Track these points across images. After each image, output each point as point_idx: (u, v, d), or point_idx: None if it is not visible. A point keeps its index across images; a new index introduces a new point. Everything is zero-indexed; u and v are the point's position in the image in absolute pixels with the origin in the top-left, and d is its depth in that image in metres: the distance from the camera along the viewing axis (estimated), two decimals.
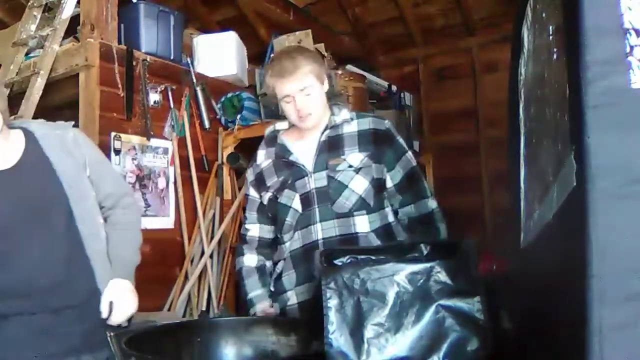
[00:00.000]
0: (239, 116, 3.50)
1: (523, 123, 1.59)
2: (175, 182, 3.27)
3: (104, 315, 1.57)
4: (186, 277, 3.23)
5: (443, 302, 1.20)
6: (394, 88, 4.38)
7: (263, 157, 1.92)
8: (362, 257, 1.36)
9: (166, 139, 3.24)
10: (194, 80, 3.39)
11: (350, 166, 1.76)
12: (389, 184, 1.83)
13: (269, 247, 1.93)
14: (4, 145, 1.58)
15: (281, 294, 1.84)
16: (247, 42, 3.85)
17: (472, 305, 1.20)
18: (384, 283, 1.22)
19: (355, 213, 1.76)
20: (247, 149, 3.55)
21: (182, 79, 3.36)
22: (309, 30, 3.98)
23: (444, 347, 1.16)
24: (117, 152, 2.94)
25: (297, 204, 1.79)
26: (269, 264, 1.92)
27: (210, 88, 3.49)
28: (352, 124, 1.83)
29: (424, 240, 1.47)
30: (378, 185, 1.79)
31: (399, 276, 1.22)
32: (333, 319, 1.19)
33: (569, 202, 0.87)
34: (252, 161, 1.97)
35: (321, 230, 1.75)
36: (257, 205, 1.91)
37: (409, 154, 1.86)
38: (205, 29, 4.14)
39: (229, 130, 3.56)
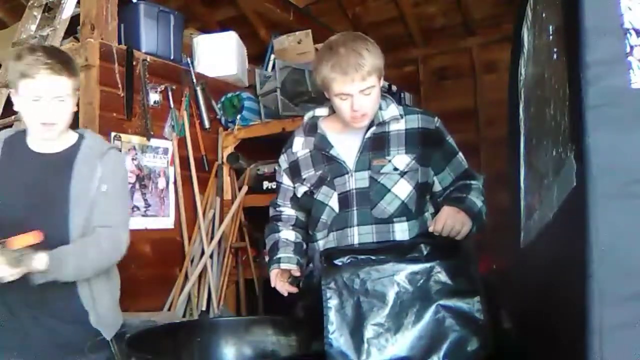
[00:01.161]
0: (239, 116, 3.49)
1: (523, 123, 1.59)
2: (175, 182, 3.26)
3: None
4: (186, 277, 3.22)
5: (443, 302, 1.20)
6: (394, 88, 4.38)
7: (300, 146, 1.79)
8: (362, 257, 1.36)
9: (166, 139, 3.23)
10: (194, 80, 3.38)
11: (396, 169, 1.65)
12: (437, 187, 1.73)
13: (305, 229, 1.81)
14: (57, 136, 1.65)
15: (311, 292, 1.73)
16: (247, 42, 3.85)
17: (472, 305, 1.20)
18: (384, 283, 1.22)
19: (395, 219, 1.65)
20: (247, 149, 3.56)
21: (182, 79, 3.36)
22: (309, 30, 3.98)
23: (444, 347, 1.17)
24: None
25: (334, 203, 1.68)
26: (304, 245, 1.81)
27: (210, 88, 3.49)
28: (400, 122, 1.71)
29: (424, 240, 1.48)
30: (422, 189, 1.69)
31: (399, 276, 1.23)
32: (333, 319, 1.19)
33: (569, 202, 0.87)
34: (286, 147, 1.84)
35: (358, 235, 1.64)
36: (291, 195, 1.82)
37: (460, 155, 1.74)
38: (205, 29, 4.13)
39: (229, 130, 3.55)
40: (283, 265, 1.74)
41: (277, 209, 1.88)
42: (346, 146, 1.71)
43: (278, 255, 1.77)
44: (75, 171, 1.62)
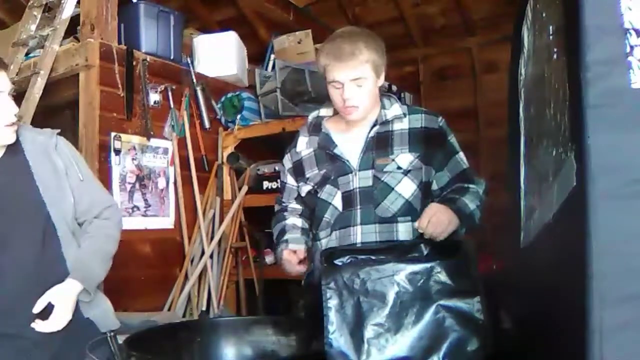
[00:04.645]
0: (239, 116, 3.50)
1: (523, 123, 1.59)
2: (175, 182, 3.27)
3: (36, 311, 1.48)
4: (186, 277, 3.22)
5: (443, 302, 1.20)
6: (394, 88, 4.38)
7: (304, 145, 1.79)
8: (362, 257, 1.36)
9: (166, 139, 3.24)
10: (194, 80, 3.38)
11: (399, 168, 1.65)
12: (434, 186, 1.71)
13: (311, 220, 1.79)
14: None
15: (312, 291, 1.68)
16: (247, 42, 3.85)
17: (471, 305, 1.20)
18: (384, 283, 1.22)
19: (399, 219, 1.64)
20: (247, 149, 3.56)
21: (182, 79, 3.36)
22: (309, 30, 3.98)
23: (444, 347, 1.16)
24: (117, 152, 2.94)
25: (337, 202, 1.68)
26: (310, 233, 1.79)
27: (210, 88, 3.49)
28: (403, 121, 1.70)
29: (425, 240, 1.47)
30: (426, 188, 1.68)
31: (399, 276, 1.22)
32: (333, 319, 1.19)
33: (569, 202, 0.87)
34: (290, 146, 1.84)
35: (361, 234, 1.63)
36: (296, 195, 1.81)
37: (460, 155, 1.72)
38: (205, 29, 4.13)
39: (229, 130, 3.56)
40: (291, 246, 1.71)
41: (283, 205, 1.87)
42: (350, 145, 1.71)
43: (285, 238, 1.75)
44: (38, 175, 1.56)
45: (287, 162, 1.84)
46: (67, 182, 1.60)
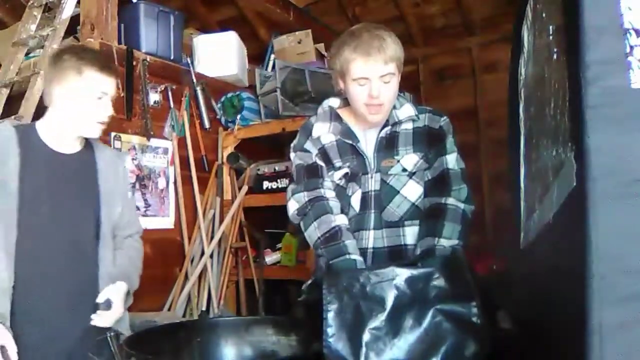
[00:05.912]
0: (239, 116, 3.49)
1: (523, 123, 1.59)
2: (175, 182, 3.26)
3: (100, 300, 1.61)
4: (186, 277, 3.22)
5: (441, 306, 1.20)
6: None
7: (326, 130, 1.67)
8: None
9: (166, 139, 3.23)
10: (194, 80, 3.38)
11: (404, 170, 1.61)
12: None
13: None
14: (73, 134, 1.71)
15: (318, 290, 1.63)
16: (247, 42, 3.85)
17: (469, 309, 1.19)
18: (384, 287, 1.21)
19: (406, 222, 1.60)
20: (247, 149, 3.56)
21: (182, 79, 3.36)
22: (309, 30, 3.98)
23: (442, 351, 1.16)
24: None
25: (356, 202, 1.62)
26: None
27: (210, 88, 3.48)
28: (411, 122, 1.66)
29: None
30: None
31: (398, 280, 1.22)
32: (332, 322, 1.19)
33: (569, 202, 0.87)
34: (304, 133, 1.70)
35: (373, 239, 1.60)
36: (326, 174, 1.65)
37: (450, 156, 1.64)
38: (205, 29, 4.13)
39: (229, 130, 3.56)
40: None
41: (317, 189, 1.62)
42: (365, 145, 1.66)
43: (354, 257, 1.51)
44: (102, 184, 1.73)
45: (311, 147, 1.68)
46: (122, 192, 1.79)
